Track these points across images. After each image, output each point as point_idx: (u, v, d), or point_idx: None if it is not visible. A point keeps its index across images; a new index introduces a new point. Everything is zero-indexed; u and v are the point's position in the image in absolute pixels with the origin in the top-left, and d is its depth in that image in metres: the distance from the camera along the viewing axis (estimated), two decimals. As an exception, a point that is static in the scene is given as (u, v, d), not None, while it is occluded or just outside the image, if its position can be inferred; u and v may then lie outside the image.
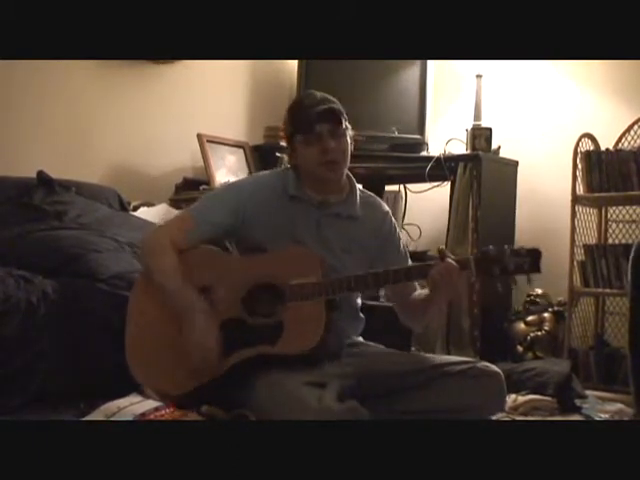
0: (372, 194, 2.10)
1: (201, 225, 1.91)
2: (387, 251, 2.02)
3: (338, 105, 1.92)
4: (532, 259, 1.74)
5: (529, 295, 3.31)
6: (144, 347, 1.85)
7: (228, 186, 2.08)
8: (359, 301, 2.04)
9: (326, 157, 1.89)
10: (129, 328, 1.87)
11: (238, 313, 1.81)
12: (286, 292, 1.79)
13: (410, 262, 2.07)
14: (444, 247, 1.81)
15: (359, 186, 2.05)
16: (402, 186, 3.73)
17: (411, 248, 3.49)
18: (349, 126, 1.94)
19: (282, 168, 2.20)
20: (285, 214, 1.93)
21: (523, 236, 3.46)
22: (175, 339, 1.81)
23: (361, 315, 2.05)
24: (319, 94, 1.94)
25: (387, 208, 2.09)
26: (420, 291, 1.97)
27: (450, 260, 1.75)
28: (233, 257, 1.96)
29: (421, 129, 3.52)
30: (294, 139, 1.94)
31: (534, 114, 3.66)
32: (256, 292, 1.83)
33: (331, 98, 1.94)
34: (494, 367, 1.88)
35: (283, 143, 3.47)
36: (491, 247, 1.77)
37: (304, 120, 1.90)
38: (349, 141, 1.93)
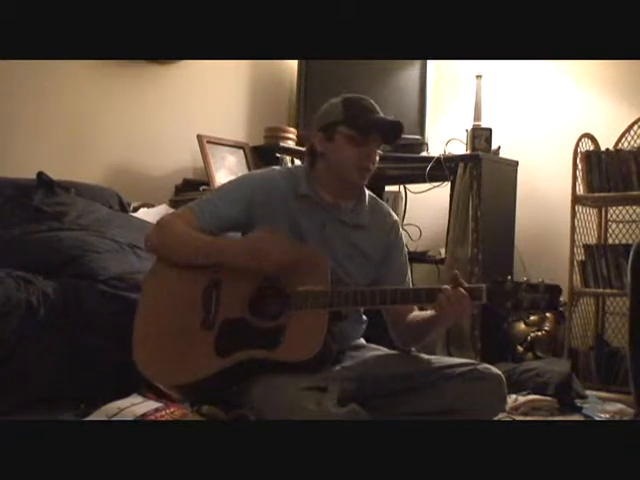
0: (382, 201, 2.08)
1: (207, 218, 1.89)
2: (389, 261, 2.01)
3: None
4: (551, 296, 1.69)
5: (529, 295, 3.31)
6: (156, 338, 1.82)
7: (237, 181, 2.04)
8: None
9: (366, 163, 1.88)
10: (139, 320, 1.85)
11: (242, 313, 1.80)
12: (292, 298, 1.78)
13: (409, 273, 2.06)
14: (457, 272, 1.77)
15: (367, 192, 2.03)
16: (402, 186, 3.73)
17: (411, 248, 3.51)
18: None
19: (293, 165, 2.18)
20: (291, 213, 1.91)
21: (523, 236, 3.47)
22: (191, 326, 1.80)
23: (364, 317, 2.04)
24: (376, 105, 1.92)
25: (395, 217, 2.07)
26: (418, 312, 1.96)
27: (461, 289, 1.71)
28: None
29: (421, 129, 3.52)
30: (338, 129, 1.88)
31: (534, 114, 3.66)
32: (262, 293, 1.82)
33: None
34: (495, 369, 1.87)
35: (283, 144, 3.48)
36: (508, 279, 1.72)
37: (367, 120, 1.86)
38: None
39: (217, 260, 1.83)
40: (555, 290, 1.69)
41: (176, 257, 1.87)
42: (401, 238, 2.07)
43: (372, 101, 1.92)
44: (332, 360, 1.85)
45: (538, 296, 1.69)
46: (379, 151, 1.94)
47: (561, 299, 3.17)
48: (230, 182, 2.05)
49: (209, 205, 1.91)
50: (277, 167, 2.08)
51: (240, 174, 3.35)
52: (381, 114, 1.90)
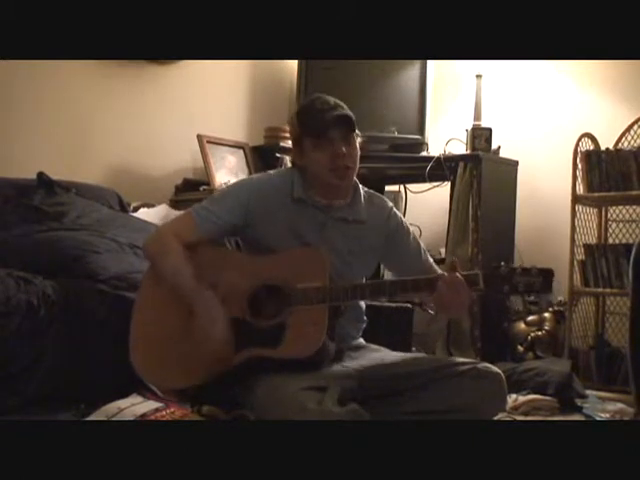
0: (374, 192, 2.08)
1: (205, 224, 1.90)
2: (397, 247, 2.01)
3: (348, 110, 1.90)
4: (544, 279, 1.72)
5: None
6: (153, 342, 1.83)
7: (234, 186, 2.06)
8: (363, 304, 2.03)
9: (337, 163, 1.87)
10: (136, 323, 1.86)
11: (242, 313, 1.80)
12: (291, 296, 1.78)
13: (425, 252, 2.06)
14: (456, 260, 1.78)
15: (362, 187, 2.03)
16: (402, 186, 3.73)
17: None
18: (358, 132, 1.92)
19: (287, 168, 2.18)
20: (290, 216, 1.92)
21: (523, 236, 3.47)
22: (185, 332, 1.80)
23: (364, 317, 2.04)
24: (331, 99, 1.92)
25: (390, 203, 2.07)
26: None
27: (458, 274, 1.73)
28: (241, 256, 1.96)
29: (421, 129, 3.52)
30: (303, 142, 1.91)
31: (534, 114, 3.66)
32: (261, 293, 1.83)
33: (342, 104, 1.92)
34: (495, 368, 1.87)
35: (283, 144, 3.48)
36: (502, 264, 1.75)
37: (316, 124, 1.87)
38: (358, 147, 1.92)
39: (183, 296, 1.83)
40: (548, 273, 1.73)
41: (160, 273, 1.90)
42: (401, 221, 2.06)
43: (325, 97, 1.92)
44: (332, 357, 1.85)
45: (532, 279, 1.73)
46: (357, 143, 1.91)
47: (561, 298, 3.21)
48: (227, 188, 2.07)
49: (207, 212, 1.92)
50: (272, 171, 2.08)
51: (240, 174, 3.37)
52: (337, 110, 1.88)
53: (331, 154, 1.87)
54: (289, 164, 3.33)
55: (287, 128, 3.55)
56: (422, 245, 2.07)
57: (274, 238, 1.90)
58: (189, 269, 1.85)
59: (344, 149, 1.87)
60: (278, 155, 3.40)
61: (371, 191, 2.07)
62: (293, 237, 1.91)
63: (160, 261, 1.90)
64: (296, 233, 1.91)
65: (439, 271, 1.97)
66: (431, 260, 2.06)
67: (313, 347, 1.75)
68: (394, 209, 2.07)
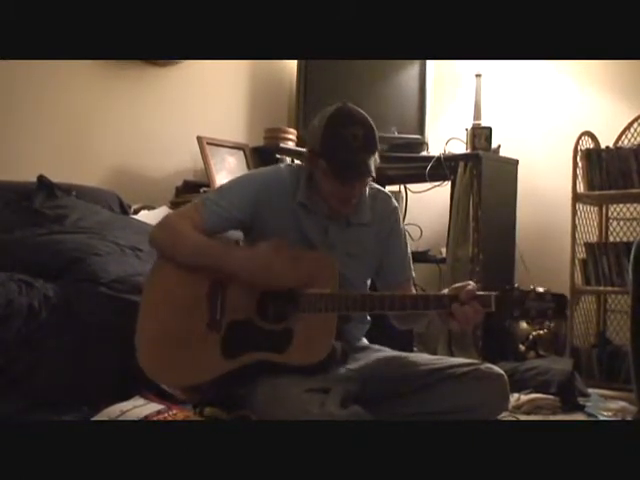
0: (381, 189, 2.03)
1: (211, 218, 1.85)
2: (389, 251, 1.99)
3: (376, 143, 1.79)
4: (557, 305, 1.69)
5: (531, 294, 3.30)
6: (161, 340, 1.78)
7: (241, 180, 1.97)
8: None
9: (345, 196, 1.82)
10: (143, 321, 1.80)
11: (249, 315, 1.78)
12: (300, 301, 1.76)
13: (411, 263, 2.05)
14: (475, 286, 1.75)
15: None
16: (402, 186, 3.73)
17: (412, 248, 3.50)
18: (378, 159, 1.83)
19: (297, 166, 2.13)
20: (295, 216, 1.88)
21: (524, 235, 3.47)
22: (196, 327, 1.77)
23: (368, 318, 2.03)
24: (361, 129, 1.77)
25: (395, 204, 2.02)
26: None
27: (477, 304, 1.70)
28: None
29: (421, 129, 3.52)
30: (317, 158, 1.81)
31: (534, 113, 3.66)
32: (270, 295, 1.79)
33: (372, 134, 1.79)
34: (497, 369, 1.86)
35: (283, 144, 3.48)
36: (515, 287, 1.72)
37: (337, 160, 1.77)
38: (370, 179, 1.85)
39: (218, 266, 1.79)
40: (562, 299, 1.70)
41: (178, 257, 1.83)
42: (400, 222, 2.03)
43: (357, 128, 1.77)
44: (337, 360, 1.84)
45: (545, 305, 1.69)
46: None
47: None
48: (235, 181, 1.99)
49: (213, 205, 1.86)
50: (282, 165, 2.05)
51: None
52: (363, 153, 1.77)
53: (339, 190, 1.81)
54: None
55: (286, 129, 3.57)
56: (409, 257, 2.04)
57: (279, 237, 1.88)
58: (212, 240, 1.82)
59: (355, 188, 1.82)
60: (278, 156, 3.40)
61: (377, 187, 2.01)
62: (298, 238, 1.87)
63: (174, 243, 1.83)
64: (301, 234, 1.88)
65: (412, 291, 1.96)
66: (412, 274, 2.03)
67: (320, 354, 1.74)
68: (397, 211, 2.02)
